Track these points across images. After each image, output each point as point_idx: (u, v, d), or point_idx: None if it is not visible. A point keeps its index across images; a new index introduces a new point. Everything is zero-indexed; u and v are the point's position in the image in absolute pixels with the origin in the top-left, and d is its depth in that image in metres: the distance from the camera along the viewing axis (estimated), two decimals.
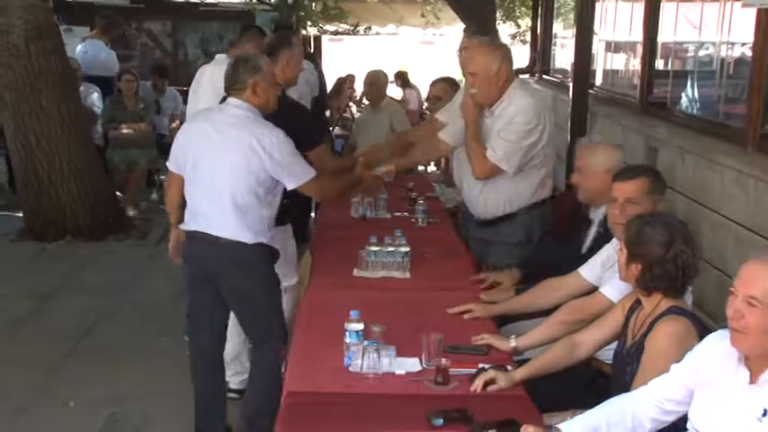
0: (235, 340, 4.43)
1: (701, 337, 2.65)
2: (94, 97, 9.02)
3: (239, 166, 3.74)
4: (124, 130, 8.79)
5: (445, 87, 5.88)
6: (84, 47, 9.81)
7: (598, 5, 7.78)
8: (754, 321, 2.16)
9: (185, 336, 4.36)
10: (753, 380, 2.22)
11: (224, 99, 3.96)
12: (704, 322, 2.86)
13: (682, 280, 2.80)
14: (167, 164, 4.10)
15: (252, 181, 3.76)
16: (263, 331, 3.94)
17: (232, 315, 4.05)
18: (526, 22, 14.79)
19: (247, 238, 3.79)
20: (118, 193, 8.64)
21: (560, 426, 2.46)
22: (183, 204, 3.98)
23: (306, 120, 4.70)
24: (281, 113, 4.01)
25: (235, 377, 4.52)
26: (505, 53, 4.31)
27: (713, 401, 2.31)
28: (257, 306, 3.92)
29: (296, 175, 3.86)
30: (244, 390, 4.25)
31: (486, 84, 4.20)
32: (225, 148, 3.76)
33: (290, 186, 3.88)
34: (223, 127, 3.80)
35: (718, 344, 2.35)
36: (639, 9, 6.71)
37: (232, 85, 3.86)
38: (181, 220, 3.99)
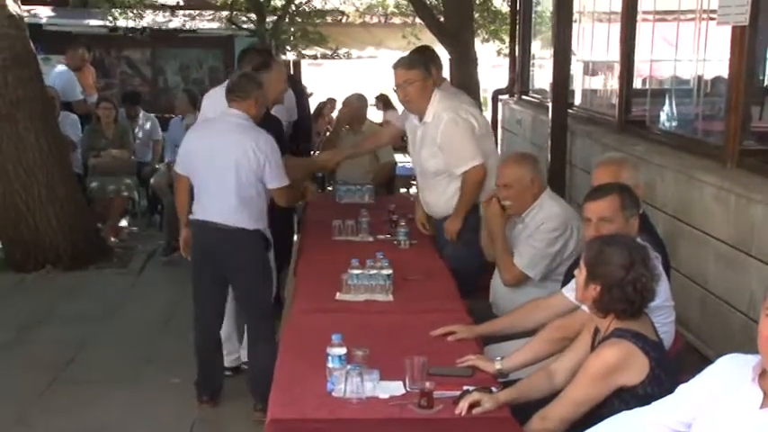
0: (227, 322, 4.94)
1: (649, 355, 2.69)
2: (72, 125, 8.95)
3: (243, 165, 4.45)
4: (104, 158, 8.76)
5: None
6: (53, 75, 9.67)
7: (575, 26, 7.85)
8: None
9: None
10: (765, 404, 2.13)
11: None
12: (657, 341, 2.84)
13: (639, 303, 2.80)
14: (175, 168, 4.86)
15: (252, 178, 4.49)
16: (258, 309, 4.65)
17: None
18: None
19: (248, 224, 4.52)
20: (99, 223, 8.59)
21: None
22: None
23: (281, 132, 5.34)
24: (262, 124, 4.70)
25: (227, 357, 5.00)
26: (536, 164, 4.36)
27: (720, 424, 2.23)
28: (254, 284, 4.64)
29: (278, 178, 4.59)
30: (236, 367, 5.06)
31: (521, 194, 4.26)
32: (229, 150, 4.46)
33: (270, 186, 4.57)
34: (226, 133, 4.52)
35: (729, 365, 2.29)
36: (616, 29, 6.78)
37: (237, 93, 4.58)
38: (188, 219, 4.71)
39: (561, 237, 4.17)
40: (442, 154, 4.82)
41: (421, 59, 5.09)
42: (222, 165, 4.44)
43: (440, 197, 5.01)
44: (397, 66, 4.90)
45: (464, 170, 4.75)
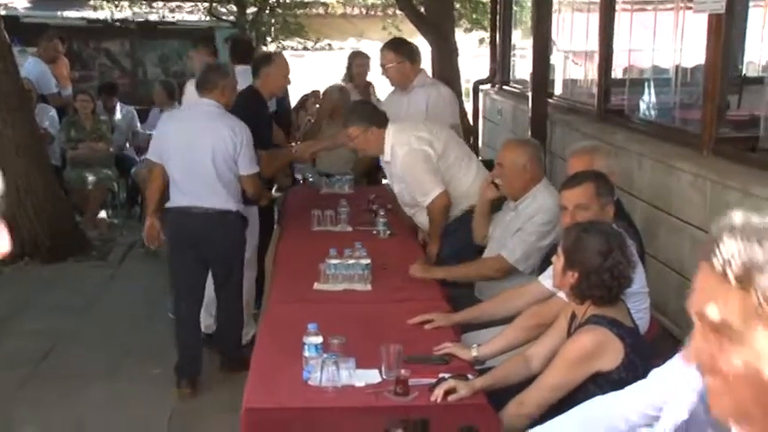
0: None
1: (624, 341, 2.71)
2: (50, 117, 8.89)
3: (221, 150, 4.70)
4: (82, 150, 8.72)
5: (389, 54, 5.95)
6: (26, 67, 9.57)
7: (555, 16, 7.87)
8: None
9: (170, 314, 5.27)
10: None
11: None
12: (633, 327, 2.85)
13: (616, 290, 2.82)
14: (148, 155, 5.07)
15: (231, 162, 4.75)
16: (233, 285, 4.96)
17: None
18: None
19: (231, 206, 4.80)
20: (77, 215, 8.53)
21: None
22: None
23: (264, 125, 5.60)
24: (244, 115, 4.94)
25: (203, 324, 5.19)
26: (534, 152, 4.35)
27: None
28: (235, 262, 4.93)
29: (250, 165, 4.85)
30: (210, 335, 5.19)
31: (513, 176, 4.27)
32: (205, 136, 4.69)
33: (241, 172, 4.82)
34: (200, 120, 4.74)
35: None
36: (595, 19, 6.79)
37: (204, 85, 4.83)
38: (157, 206, 4.92)
39: (553, 231, 4.11)
40: (408, 187, 4.94)
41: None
42: (200, 150, 4.66)
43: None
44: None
45: (427, 202, 4.83)
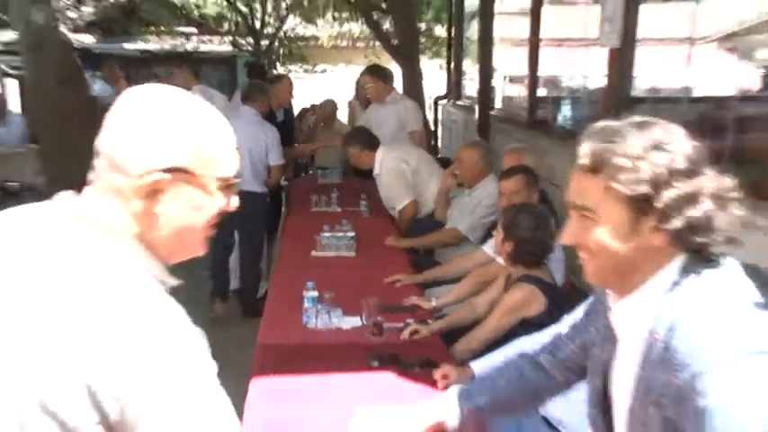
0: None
1: (547, 294, 2.73)
2: None
3: (255, 148, 4.95)
4: None
5: (366, 78, 6.02)
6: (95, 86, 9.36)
7: (496, 48, 7.85)
8: None
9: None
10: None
11: None
12: (553, 284, 2.87)
13: (541, 256, 2.84)
14: None
15: (263, 155, 5.02)
16: (258, 246, 5.20)
17: None
18: None
19: (258, 188, 5.05)
20: None
21: (471, 363, 2.46)
22: None
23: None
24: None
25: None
26: (485, 152, 4.41)
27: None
28: (257, 229, 5.15)
29: (278, 157, 5.12)
30: (235, 289, 5.25)
31: (468, 169, 4.30)
32: (248, 137, 4.82)
33: (271, 162, 5.08)
34: (243, 124, 4.68)
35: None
36: (526, 52, 6.76)
37: (248, 97, 5.10)
38: None
39: (495, 211, 4.14)
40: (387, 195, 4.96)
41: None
42: (246, 147, 4.76)
43: None
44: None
45: (399, 208, 4.82)
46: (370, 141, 4.99)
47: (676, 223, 1.22)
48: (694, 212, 1.21)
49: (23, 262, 1.05)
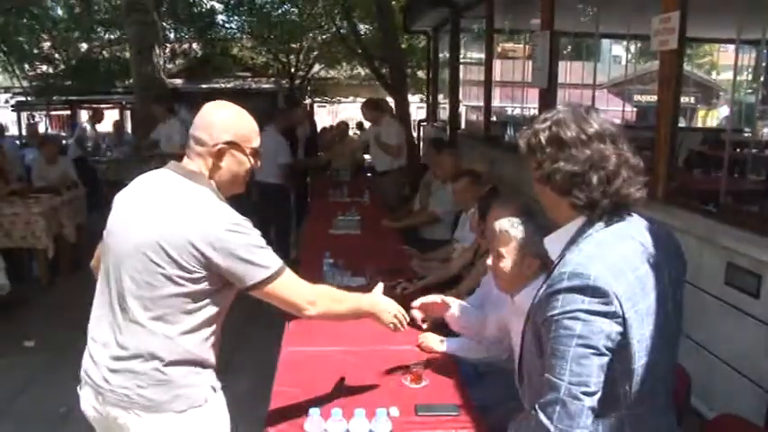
0: None
1: None
2: None
3: (273, 153, 4.80)
4: None
5: (365, 108, 5.80)
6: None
7: (462, 87, 7.77)
8: None
9: None
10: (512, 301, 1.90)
11: None
12: None
13: None
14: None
15: (275, 158, 4.91)
16: (283, 227, 5.10)
17: None
18: None
19: (278, 181, 5.00)
20: None
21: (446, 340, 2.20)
22: None
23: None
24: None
25: None
26: (454, 156, 4.32)
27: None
28: (280, 213, 5.09)
29: (284, 157, 5.04)
30: None
31: (444, 168, 4.22)
32: (269, 146, 4.27)
33: (279, 161, 4.95)
34: (266, 137, 4.80)
35: None
36: (482, 89, 6.69)
37: (273, 118, 5.13)
38: None
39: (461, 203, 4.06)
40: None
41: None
42: (265, 151, 4.74)
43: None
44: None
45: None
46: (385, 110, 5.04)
47: (556, 177, 1.20)
48: (572, 167, 1.17)
49: (160, 188, 1.48)
